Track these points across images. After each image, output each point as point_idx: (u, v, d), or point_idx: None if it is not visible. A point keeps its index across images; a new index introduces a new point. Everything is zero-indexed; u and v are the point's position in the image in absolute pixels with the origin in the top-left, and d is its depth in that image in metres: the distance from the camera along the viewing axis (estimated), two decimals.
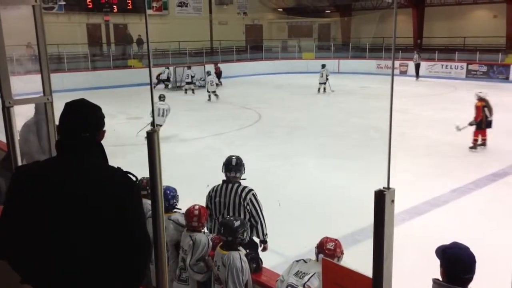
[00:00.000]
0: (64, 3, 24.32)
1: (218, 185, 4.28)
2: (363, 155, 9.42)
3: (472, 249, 2.57)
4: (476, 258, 2.52)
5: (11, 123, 2.43)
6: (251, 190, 4.19)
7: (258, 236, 4.24)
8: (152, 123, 1.81)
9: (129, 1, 27.00)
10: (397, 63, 25.95)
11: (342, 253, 3.17)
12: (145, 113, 11.70)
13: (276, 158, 10.00)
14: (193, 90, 21.01)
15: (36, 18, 2.39)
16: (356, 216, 5.94)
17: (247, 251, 3.60)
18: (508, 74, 23.38)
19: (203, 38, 29.23)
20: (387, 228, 1.30)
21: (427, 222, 6.67)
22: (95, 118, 1.92)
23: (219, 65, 25.22)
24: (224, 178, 4.29)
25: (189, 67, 22.14)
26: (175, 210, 4.06)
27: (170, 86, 22.49)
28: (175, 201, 4.08)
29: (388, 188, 1.31)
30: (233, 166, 4.27)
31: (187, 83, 21.45)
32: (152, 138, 1.76)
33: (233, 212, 4.12)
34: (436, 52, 26.39)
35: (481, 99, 10.40)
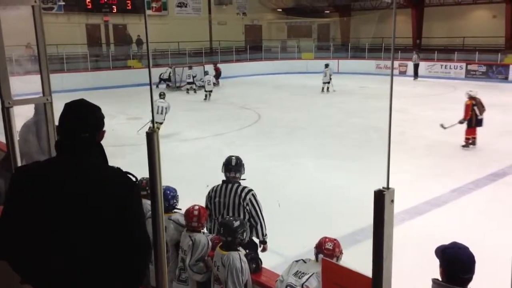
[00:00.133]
0: (63, 3, 24.30)
1: (218, 185, 4.28)
2: (363, 155, 9.42)
3: (472, 249, 2.58)
4: (476, 258, 2.53)
5: (10, 124, 2.43)
6: (250, 190, 4.19)
7: (257, 237, 4.24)
8: (152, 123, 1.81)
9: (129, 2, 26.99)
10: (396, 63, 25.97)
11: (341, 252, 3.18)
12: (144, 113, 11.70)
13: (276, 158, 10.00)
14: (195, 90, 21.05)
15: (36, 18, 2.39)
16: (355, 216, 5.94)
17: (247, 251, 3.60)
18: (507, 74, 23.39)
19: (202, 39, 29.23)
20: (386, 228, 1.30)
21: (427, 222, 6.67)
22: (94, 119, 1.92)
23: (218, 65, 25.22)
24: (224, 178, 4.29)
25: (190, 67, 22.18)
26: (175, 210, 4.06)
27: (170, 85, 22.51)
28: (175, 201, 4.08)
29: (388, 188, 1.31)
30: (232, 166, 4.27)
31: (189, 83, 21.50)
32: (151, 139, 1.76)
33: (232, 213, 4.12)
34: (436, 52, 26.41)
35: (471, 97, 10.47)
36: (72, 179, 1.78)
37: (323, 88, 20.63)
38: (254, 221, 4.18)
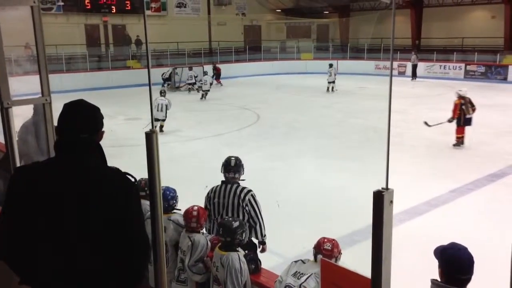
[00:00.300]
0: (62, 3, 24.30)
1: (217, 186, 4.28)
2: (362, 155, 9.42)
3: (471, 250, 2.58)
4: (475, 259, 2.53)
5: (9, 124, 2.42)
6: (250, 191, 4.19)
7: (256, 237, 4.23)
8: (152, 123, 1.80)
9: (128, 2, 26.99)
10: (395, 63, 26.00)
11: (339, 253, 3.18)
12: (143, 113, 11.71)
13: (275, 158, 10.00)
14: (197, 89, 21.17)
15: (35, 18, 2.39)
16: (354, 217, 5.96)
17: (246, 252, 3.60)
18: (506, 74, 23.42)
19: (201, 39, 29.25)
20: (385, 229, 1.30)
21: (426, 222, 6.67)
22: (94, 119, 1.92)
23: (218, 65, 25.22)
24: (223, 179, 4.29)
25: (190, 68, 22.23)
26: (174, 211, 4.06)
27: (169, 85, 22.54)
28: (174, 201, 4.07)
29: (387, 188, 1.31)
30: (232, 167, 4.27)
31: (189, 83, 21.59)
32: (150, 139, 1.76)
33: (231, 213, 4.12)
34: (435, 52, 26.44)
35: (460, 96, 10.58)
36: (71, 179, 1.78)
37: (328, 88, 20.74)
38: (253, 221, 4.17)
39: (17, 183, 1.81)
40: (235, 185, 4.21)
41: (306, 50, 31.08)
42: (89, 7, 25.92)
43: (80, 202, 1.74)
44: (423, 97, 19.00)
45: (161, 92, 13.06)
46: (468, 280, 2.49)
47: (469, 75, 24.53)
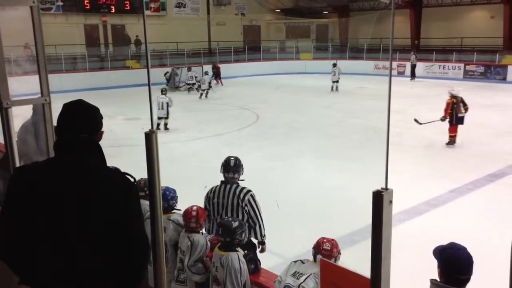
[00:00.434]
0: (61, 3, 24.29)
1: (217, 186, 4.28)
2: (361, 155, 9.43)
3: (470, 250, 2.58)
4: (474, 259, 2.53)
5: (9, 124, 2.42)
6: (249, 191, 4.19)
7: (256, 237, 4.23)
8: (151, 123, 1.80)
9: (127, 2, 26.98)
10: (394, 63, 26.01)
11: (339, 253, 3.18)
12: (143, 113, 11.69)
13: (275, 158, 10.01)
14: (197, 89, 21.26)
15: (34, 19, 2.39)
16: (354, 217, 5.96)
17: (245, 252, 3.60)
18: (505, 74, 23.44)
19: (201, 39, 29.25)
20: (385, 229, 1.30)
21: (425, 222, 6.68)
22: (93, 119, 1.92)
23: (217, 65, 25.23)
24: (223, 179, 4.29)
25: (189, 69, 22.28)
26: (174, 211, 4.05)
27: (168, 85, 22.58)
28: (174, 202, 4.07)
29: (386, 188, 1.31)
30: (231, 167, 4.26)
31: (188, 84, 21.66)
32: (150, 139, 1.76)
33: (231, 213, 4.12)
34: (434, 52, 26.46)
35: (452, 96, 10.71)
36: (71, 179, 1.78)
37: (332, 87, 20.83)
38: (253, 221, 4.17)
39: (17, 183, 1.81)
40: (234, 185, 4.21)
41: (305, 50, 31.10)
42: (88, 7, 25.92)
43: (79, 202, 1.74)
44: (422, 97, 19.00)
45: (162, 90, 13.28)
46: (467, 280, 2.50)
47: (468, 75, 24.55)
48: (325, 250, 3.10)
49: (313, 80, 25.13)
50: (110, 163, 1.96)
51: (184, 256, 3.64)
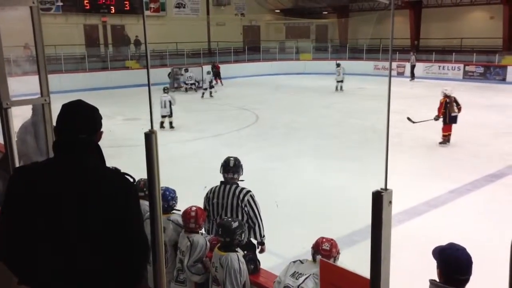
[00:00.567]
0: (61, 4, 24.27)
1: (216, 186, 4.28)
2: (361, 156, 9.42)
3: (470, 250, 2.58)
4: (474, 259, 2.53)
5: (8, 124, 2.42)
6: (249, 191, 4.19)
7: (255, 238, 4.23)
8: (151, 124, 1.80)
9: (127, 2, 26.98)
10: (394, 64, 26.02)
11: (338, 253, 3.17)
12: (142, 114, 11.69)
13: (274, 159, 10.01)
14: (195, 89, 21.35)
15: (34, 19, 2.39)
16: (354, 217, 5.96)
17: (245, 252, 3.60)
18: (505, 75, 23.45)
19: (200, 39, 29.25)
20: (384, 229, 1.30)
21: (425, 223, 6.68)
22: (92, 119, 1.92)
23: (216, 64, 25.24)
24: (222, 179, 4.29)
25: (186, 70, 22.31)
26: (173, 211, 4.06)
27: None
28: (174, 202, 4.07)
29: (386, 189, 1.31)
30: (231, 167, 4.27)
31: (186, 83, 21.70)
32: (150, 139, 1.76)
33: (230, 214, 4.12)
34: (433, 53, 26.47)
35: (445, 95, 10.83)
36: (70, 179, 1.78)
37: (336, 87, 20.94)
38: (252, 222, 4.17)
39: (16, 183, 1.81)
40: (234, 186, 4.21)
41: (305, 50, 31.12)
42: (88, 7, 25.91)
43: (79, 203, 1.74)
44: (422, 97, 18.99)
45: (164, 89, 13.51)
46: (466, 280, 2.50)
47: (467, 76, 24.56)
48: (324, 250, 3.10)
49: (313, 80, 25.14)
50: (109, 163, 1.97)
51: (184, 257, 3.64)
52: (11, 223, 1.76)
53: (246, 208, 4.14)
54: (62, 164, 1.82)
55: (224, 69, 25.48)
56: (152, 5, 27.72)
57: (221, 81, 23.86)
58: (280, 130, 13.14)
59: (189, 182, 7.18)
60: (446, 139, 10.91)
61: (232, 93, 21.07)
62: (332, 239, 3.21)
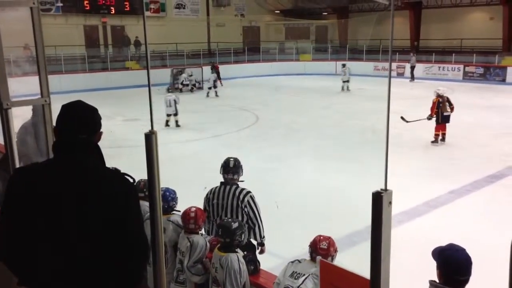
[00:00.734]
0: (61, 4, 24.27)
1: (216, 187, 4.28)
2: (360, 156, 9.43)
3: (469, 251, 2.58)
4: (473, 260, 2.53)
5: (8, 125, 2.42)
6: (248, 192, 4.19)
7: (255, 239, 4.23)
8: (151, 125, 1.80)
9: (127, 3, 26.98)
10: (394, 65, 26.02)
11: (336, 251, 3.17)
12: (142, 114, 11.71)
13: (274, 160, 10.00)
14: (191, 90, 21.37)
15: (34, 20, 2.39)
16: (353, 218, 5.96)
17: (245, 253, 3.60)
18: (505, 76, 23.45)
19: (200, 40, 29.25)
20: (384, 230, 1.31)
21: (425, 223, 6.68)
22: (92, 120, 1.92)
23: (215, 64, 25.25)
24: (222, 180, 4.29)
25: (180, 72, 22.36)
26: (173, 212, 4.06)
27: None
28: (174, 203, 4.07)
29: (386, 190, 1.31)
30: (231, 168, 4.27)
31: (183, 84, 21.78)
32: (150, 140, 1.76)
33: (230, 214, 4.12)
34: (433, 54, 26.48)
35: (438, 95, 11.07)
36: (70, 180, 1.78)
37: (342, 87, 21.09)
38: (252, 223, 4.17)
39: (16, 184, 1.81)
40: (234, 187, 4.21)
41: (305, 51, 31.13)
42: (88, 8, 25.91)
43: (79, 203, 1.75)
44: (422, 98, 18.94)
45: (168, 89, 13.70)
46: (466, 281, 2.50)
47: (467, 77, 24.57)
48: (322, 249, 3.10)
49: (313, 81, 25.14)
50: (109, 164, 1.97)
51: (184, 257, 3.64)
52: (11, 224, 1.76)
53: (246, 209, 4.14)
54: (62, 164, 1.82)
55: (224, 69, 25.49)
56: (152, 6, 27.73)
57: (220, 82, 23.87)
58: (280, 130, 13.14)
59: (189, 182, 7.18)
60: (438, 138, 11.09)
61: (232, 93, 21.07)
62: (329, 237, 3.20)
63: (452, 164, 9.59)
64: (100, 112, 1.97)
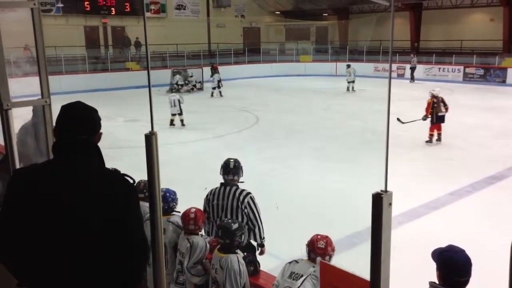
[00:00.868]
0: (61, 5, 24.28)
1: (216, 188, 4.28)
2: (361, 157, 9.43)
3: (469, 252, 2.58)
4: (473, 261, 2.53)
5: (9, 126, 2.43)
6: (249, 193, 4.19)
7: (255, 240, 4.23)
8: (151, 125, 1.81)
9: (127, 4, 27.00)
10: (394, 66, 26.02)
11: (333, 250, 3.16)
12: (143, 115, 11.72)
13: (274, 161, 10.01)
14: (189, 90, 21.41)
15: (35, 20, 2.39)
16: (354, 219, 5.96)
17: (245, 254, 3.60)
18: (505, 77, 23.45)
19: (201, 41, 29.26)
20: (384, 231, 1.31)
21: (425, 225, 6.68)
22: (91, 120, 1.92)
23: (215, 64, 25.27)
24: (222, 181, 4.29)
25: (174, 73, 22.35)
26: (173, 212, 4.06)
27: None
28: (174, 203, 4.08)
29: (386, 191, 1.31)
30: (231, 169, 4.27)
31: (179, 84, 21.90)
32: (150, 141, 1.76)
33: (230, 215, 4.12)
34: (433, 55, 26.48)
35: (433, 96, 11.27)
36: (70, 180, 1.78)
37: (348, 88, 21.20)
38: (252, 224, 4.18)
39: (16, 184, 1.81)
40: (234, 187, 4.21)
41: (305, 52, 31.13)
42: (88, 8, 25.91)
43: (79, 203, 1.75)
44: (422, 99, 18.92)
45: (171, 90, 13.78)
46: (466, 282, 2.50)
47: (468, 78, 24.57)
48: (319, 249, 3.09)
49: (313, 82, 25.13)
50: (109, 164, 1.97)
51: (184, 258, 3.64)
52: (11, 224, 1.76)
53: (246, 210, 4.14)
54: (62, 165, 1.82)
55: (224, 70, 25.49)
56: (152, 7, 27.74)
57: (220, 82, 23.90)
58: (280, 131, 13.15)
59: (189, 183, 7.18)
60: (432, 138, 11.25)
61: (232, 94, 21.08)
62: (327, 236, 3.20)
63: (452, 165, 9.59)
64: (100, 113, 1.97)
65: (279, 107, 17.61)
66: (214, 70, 23.73)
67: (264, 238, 4.26)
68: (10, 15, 2.56)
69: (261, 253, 4.27)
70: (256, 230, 4.20)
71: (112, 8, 26.66)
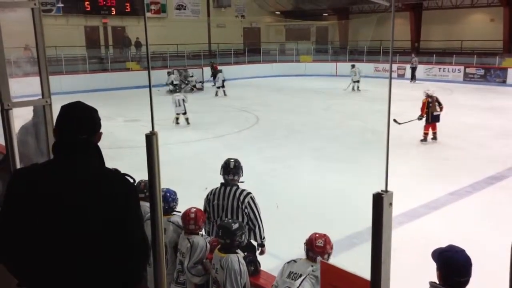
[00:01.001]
0: (62, 5, 24.29)
1: (216, 188, 4.28)
2: (361, 158, 9.43)
3: (469, 252, 2.58)
4: (474, 261, 2.53)
5: (9, 126, 2.43)
6: (249, 193, 4.19)
7: (255, 240, 4.24)
8: (152, 125, 1.81)
9: (127, 4, 27.00)
10: (394, 66, 26.01)
11: (331, 248, 3.17)
12: (142, 115, 11.72)
13: (274, 161, 10.01)
14: (191, 90, 21.48)
15: (35, 21, 2.39)
16: (354, 219, 5.96)
17: (245, 254, 3.60)
18: (505, 77, 23.44)
19: (201, 41, 29.27)
20: (385, 231, 1.31)
21: (425, 225, 6.68)
22: (91, 120, 1.93)
23: (214, 64, 25.26)
24: (222, 181, 4.29)
25: (169, 73, 22.29)
26: (174, 212, 4.06)
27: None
28: (174, 203, 4.08)
29: (386, 191, 1.31)
30: (231, 169, 4.27)
31: (174, 84, 21.91)
32: (150, 141, 1.76)
33: (231, 215, 4.12)
34: (434, 55, 26.47)
35: (427, 96, 11.47)
36: (70, 180, 1.78)
37: (353, 87, 21.29)
38: (252, 224, 4.18)
39: (16, 184, 1.82)
40: (234, 187, 4.21)
41: (305, 52, 31.12)
42: (88, 9, 25.92)
43: (79, 203, 1.75)
44: (422, 99, 18.99)
45: (176, 89, 13.88)
46: (466, 282, 2.50)
47: (468, 78, 24.56)
48: (318, 247, 3.09)
49: (313, 82, 25.13)
50: (109, 164, 1.97)
51: (184, 258, 3.64)
52: (11, 224, 1.76)
53: (246, 210, 4.14)
54: (62, 165, 1.83)
55: (224, 70, 25.41)
56: (152, 7, 27.75)
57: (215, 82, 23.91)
58: (280, 131, 13.14)
59: (190, 183, 7.19)
60: (426, 137, 11.39)
61: (232, 94, 21.08)
62: (325, 235, 3.20)
63: (452, 165, 9.59)
64: (100, 113, 1.97)
65: (279, 107, 17.61)
66: (214, 70, 23.74)
67: (264, 238, 4.26)
68: (10, 15, 2.56)
69: (262, 253, 4.27)
70: (257, 230, 4.20)
71: (112, 8, 26.67)
